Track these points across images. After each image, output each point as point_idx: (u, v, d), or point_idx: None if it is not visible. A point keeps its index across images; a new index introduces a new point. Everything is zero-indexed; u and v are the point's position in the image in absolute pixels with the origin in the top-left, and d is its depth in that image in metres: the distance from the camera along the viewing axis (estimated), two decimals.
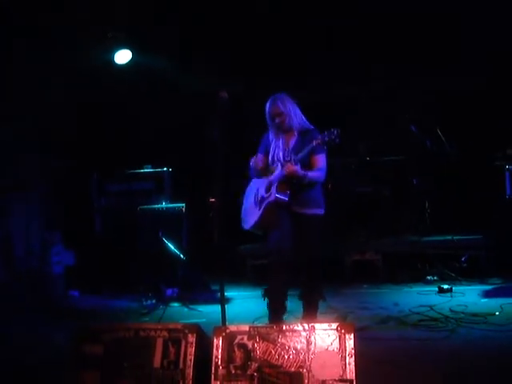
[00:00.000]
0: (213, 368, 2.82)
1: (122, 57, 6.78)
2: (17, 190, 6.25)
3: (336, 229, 6.97)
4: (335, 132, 4.00)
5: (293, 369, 2.75)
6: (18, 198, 6.33)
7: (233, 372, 2.80)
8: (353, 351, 2.71)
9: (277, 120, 4.31)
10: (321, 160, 4.27)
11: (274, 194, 4.22)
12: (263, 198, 4.31)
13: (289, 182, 4.22)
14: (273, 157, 4.39)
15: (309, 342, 2.78)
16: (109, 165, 7.09)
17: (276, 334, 2.84)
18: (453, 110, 7.15)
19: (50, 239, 6.50)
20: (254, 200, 4.40)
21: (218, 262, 3.91)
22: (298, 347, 2.79)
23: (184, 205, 6.44)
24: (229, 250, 6.27)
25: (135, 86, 7.20)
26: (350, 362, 2.69)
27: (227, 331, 2.90)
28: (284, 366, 2.77)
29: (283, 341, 2.82)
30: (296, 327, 2.84)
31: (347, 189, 7.32)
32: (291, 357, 2.77)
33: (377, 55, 7.21)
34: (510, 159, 6.25)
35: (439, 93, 7.29)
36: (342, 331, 2.76)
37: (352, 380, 2.66)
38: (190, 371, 2.83)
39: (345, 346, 2.73)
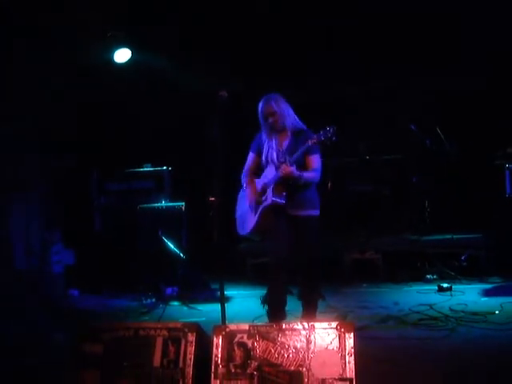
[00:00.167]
0: (213, 367, 2.82)
1: (122, 56, 6.76)
2: (17, 190, 6.23)
3: (336, 228, 7.00)
4: (331, 130, 3.96)
5: (292, 367, 2.76)
6: (18, 198, 6.32)
7: (232, 371, 2.81)
8: (352, 350, 2.72)
9: (270, 120, 4.26)
10: (315, 160, 4.24)
11: (271, 198, 4.18)
12: (258, 203, 4.28)
13: (285, 184, 4.17)
14: (266, 157, 4.34)
15: (308, 341, 2.79)
16: (108, 164, 7.09)
17: (276, 332, 2.84)
18: (453, 109, 7.15)
19: (50, 238, 6.49)
20: (249, 205, 4.36)
21: (218, 260, 3.90)
22: (298, 346, 2.79)
23: (184, 204, 6.45)
24: (228, 248, 6.26)
25: (135, 85, 7.19)
26: (350, 360, 2.70)
27: (227, 330, 2.91)
28: (284, 364, 2.77)
29: (283, 340, 2.82)
30: (296, 326, 2.85)
31: (347, 188, 7.33)
32: (291, 355, 2.78)
33: (377, 55, 7.20)
34: (510, 158, 6.24)
35: (439, 93, 7.28)
36: (342, 330, 2.77)
37: (352, 379, 2.66)
38: (189, 370, 2.83)
39: (344, 345, 2.73)
